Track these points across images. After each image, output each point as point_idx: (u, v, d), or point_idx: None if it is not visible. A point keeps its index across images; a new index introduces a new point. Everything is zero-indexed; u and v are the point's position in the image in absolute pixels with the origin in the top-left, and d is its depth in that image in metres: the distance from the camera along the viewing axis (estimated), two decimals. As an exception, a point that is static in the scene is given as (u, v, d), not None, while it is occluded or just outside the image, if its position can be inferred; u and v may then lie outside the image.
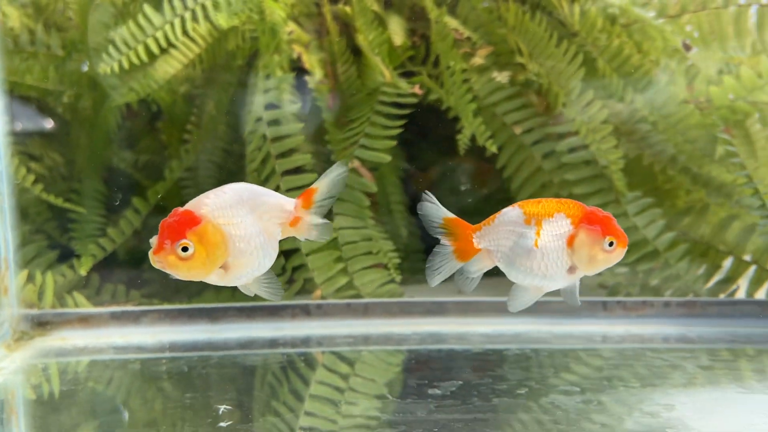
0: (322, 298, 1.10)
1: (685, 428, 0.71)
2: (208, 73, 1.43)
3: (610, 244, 0.68)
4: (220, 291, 1.32)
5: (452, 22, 1.31)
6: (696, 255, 1.20)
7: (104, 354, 1.00)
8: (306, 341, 1.08)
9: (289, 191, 1.11)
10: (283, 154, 1.13)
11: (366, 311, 1.10)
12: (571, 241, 0.69)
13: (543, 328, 1.07)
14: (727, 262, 1.19)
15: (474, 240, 0.72)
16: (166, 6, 1.17)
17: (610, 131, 1.15)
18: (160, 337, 1.04)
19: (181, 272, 0.62)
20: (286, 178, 1.12)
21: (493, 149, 1.17)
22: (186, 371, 0.92)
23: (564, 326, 1.08)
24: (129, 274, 1.37)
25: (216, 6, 1.24)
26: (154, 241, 0.62)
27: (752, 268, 1.17)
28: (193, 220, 0.62)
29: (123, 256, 1.35)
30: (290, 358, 1.01)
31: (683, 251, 1.13)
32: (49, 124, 1.50)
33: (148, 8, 1.15)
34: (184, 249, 0.61)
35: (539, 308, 1.10)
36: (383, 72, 1.23)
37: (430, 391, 0.81)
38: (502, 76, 1.24)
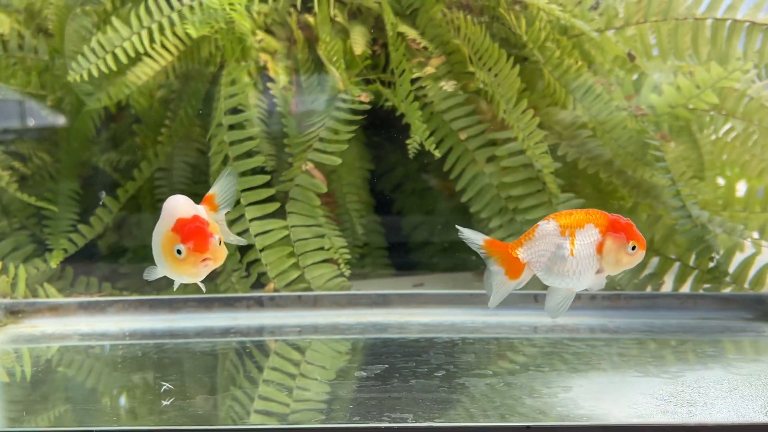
0: (275, 290, 1.19)
1: (575, 407, 0.80)
2: (182, 79, 1.52)
3: (633, 248, 0.80)
4: (186, 285, 1.42)
5: (411, 32, 1.40)
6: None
7: (71, 341, 1.09)
8: (260, 330, 1.17)
9: (244, 192, 1.21)
10: (240, 157, 1.22)
11: (315, 303, 1.19)
12: (600, 248, 0.80)
13: (478, 319, 1.16)
14: (654, 260, 1.28)
15: (519, 255, 0.82)
16: (133, 18, 1.26)
17: (542, 137, 1.23)
18: (122, 326, 1.13)
19: (220, 261, 0.75)
20: (243, 179, 1.21)
21: (437, 153, 1.26)
22: (140, 356, 1.01)
23: (498, 317, 1.17)
24: (104, 268, 1.48)
25: (183, 18, 1.33)
26: (182, 248, 0.73)
27: (676, 265, 1.26)
28: (204, 221, 0.75)
29: (99, 251, 1.44)
30: (245, 345, 1.10)
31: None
32: (33, 125, 1.59)
33: (116, 20, 1.24)
34: (219, 242, 0.74)
35: (475, 300, 1.21)
36: (338, 80, 1.32)
37: (356, 374, 0.90)
38: (448, 85, 1.33)
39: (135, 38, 1.26)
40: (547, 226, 0.82)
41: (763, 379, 0.87)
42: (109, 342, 1.08)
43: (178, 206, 0.77)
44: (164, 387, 0.85)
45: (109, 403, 0.86)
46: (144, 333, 1.11)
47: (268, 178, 1.21)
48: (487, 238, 0.83)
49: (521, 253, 0.82)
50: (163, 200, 1.66)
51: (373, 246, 1.58)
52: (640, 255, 0.82)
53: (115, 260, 1.55)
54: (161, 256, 0.76)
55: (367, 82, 1.40)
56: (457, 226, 0.83)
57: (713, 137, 1.58)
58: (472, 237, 0.82)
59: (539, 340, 1.08)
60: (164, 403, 0.82)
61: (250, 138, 1.24)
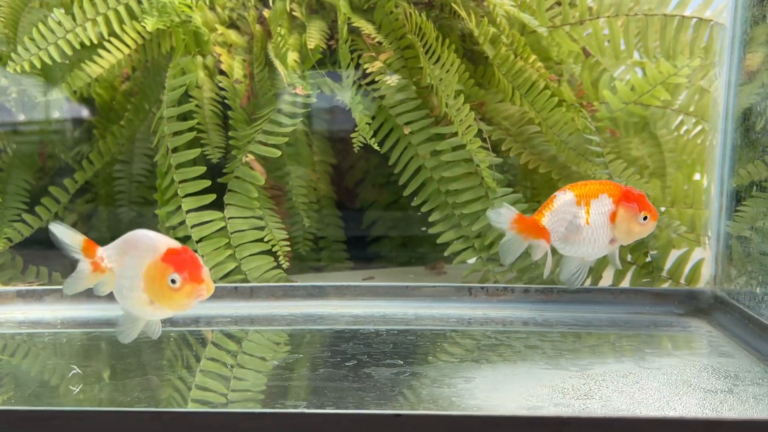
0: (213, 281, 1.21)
1: (470, 397, 0.80)
2: (145, 72, 1.54)
3: (644, 218, 0.83)
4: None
5: (367, 27, 1.41)
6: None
7: (5, 328, 1.10)
8: (196, 321, 1.18)
9: (182, 183, 1.22)
10: (177, 149, 1.23)
11: (252, 294, 1.20)
12: (613, 217, 0.84)
13: (410, 311, 1.17)
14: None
15: (544, 223, 0.90)
16: (76, 9, 1.27)
17: (476, 133, 1.24)
18: (58, 314, 1.14)
19: (210, 293, 0.76)
20: (181, 170, 1.22)
21: (377, 147, 1.27)
22: (63, 343, 1.02)
23: (432, 309, 1.18)
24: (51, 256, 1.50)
25: (130, 11, 1.34)
26: (177, 278, 0.73)
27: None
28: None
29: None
30: (182, 335, 1.12)
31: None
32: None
33: (57, 12, 1.26)
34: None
35: (410, 292, 1.21)
36: (282, 74, 1.33)
37: (268, 363, 0.92)
38: (392, 79, 1.33)
39: (80, 30, 1.28)
40: (565, 196, 0.87)
41: (669, 374, 0.88)
42: (41, 330, 1.09)
43: (158, 238, 0.77)
44: (73, 371, 0.87)
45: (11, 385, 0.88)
46: (78, 322, 1.13)
47: (204, 169, 1.22)
48: (515, 216, 0.90)
49: (545, 222, 0.86)
50: (122, 192, 1.67)
51: (331, 239, 1.59)
52: (651, 225, 0.87)
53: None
54: (144, 289, 0.75)
55: (330, 75, 1.41)
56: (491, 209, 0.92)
57: (675, 134, 1.59)
58: (503, 214, 0.90)
59: (465, 333, 1.09)
60: (71, 388, 0.83)
61: (190, 129, 1.25)
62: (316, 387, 0.83)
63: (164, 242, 0.77)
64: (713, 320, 1.11)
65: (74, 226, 1.59)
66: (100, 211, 1.56)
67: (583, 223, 0.86)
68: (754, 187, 1.10)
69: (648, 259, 1.22)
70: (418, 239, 1.64)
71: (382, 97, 1.34)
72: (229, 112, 1.36)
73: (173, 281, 0.74)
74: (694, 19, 1.38)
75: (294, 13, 1.48)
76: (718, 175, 1.17)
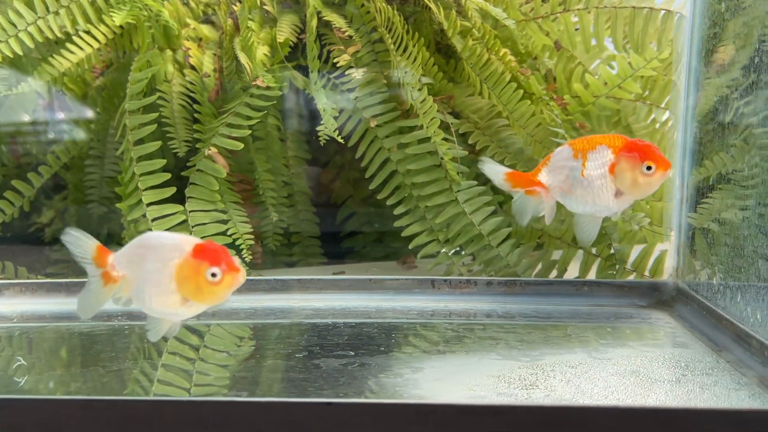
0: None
1: (414, 387, 0.80)
2: (115, 66, 1.53)
3: (648, 168, 0.79)
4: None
5: (339, 21, 1.40)
6: (529, 240, 1.30)
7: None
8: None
9: (142, 176, 1.21)
10: (138, 142, 1.23)
11: (213, 287, 1.19)
12: (612, 168, 0.81)
13: (371, 304, 1.16)
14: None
15: (542, 179, 0.87)
16: (38, 1, 1.27)
17: (438, 125, 1.23)
18: (16, 308, 1.14)
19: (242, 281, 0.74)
20: (141, 162, 1.22)
21: (340, 140, 1.27)
22: (15, 336, 1.02)
23: (393, 302, 1.17)
24: (38, 253, 1.50)
25: (96, 7, 1.34)
26: (218, 271, 0.71)
27: (580, 253, 1.26)
28: None
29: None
30: (142, 330, 1.11)
31: (504, 235, 1.22)
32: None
33: (18, 4, 1.25)
34: None
35: (373, 285, 1.21)
36: (247, 68, 1.32)
37: (218, 356, 0.91)
38: (357, 74, 1.33)
39: (41, 22, 1.27)
40: (562, 150, 0.84)
41: (618, 365, 0.87)
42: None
43: (175, 237, 0.75)
44: (17, 363, 0.86)
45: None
46: (35, 315, 1.12)
47: (164, 162, 1.21)
48: (508, 171, 0.89)
49: (542, 177, 0.84)
50: (95, 188, 1.67)
51: (305, 235, 1.58)
52: (659, 175, 0.81)
53: (51, 247, 1.57)
54: (178, 290, 0.73)
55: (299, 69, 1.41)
56: (482, 158, 0.90)
57: (650, 128, 1.59)
58: (495, 170, 0.88)
59: (424, 325, 1.08)
60: (16, 379, 0.83)
61: (152, 122, 1.24)
62: (261, 378, 0.83)
63: (186, 240, 0.75)
64: (674, 312, 1.10)
65: (51, 222, 1.60)
66: (71, 207, 1.56)
67: (578, 175, 0.83)
68: (720, 180, 1.10)
69: (611, 252, 1.22)
70: (392, 234, 1.63)
71: (351, 91, 1.34)
72: (196, 106, 1.36)
73: (213, 275, 0.72)
74: (662, 11, 1.37)
75: (265, 7, 1.48)
76: (679, 167, 1.16)
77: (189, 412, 0.64)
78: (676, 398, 0.75)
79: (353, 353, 0.91)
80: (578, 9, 1.47)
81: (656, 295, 1.15)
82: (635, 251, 1.23)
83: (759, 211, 0.90)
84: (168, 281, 0.73)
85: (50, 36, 1.29)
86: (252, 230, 1.28)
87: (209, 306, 0.76)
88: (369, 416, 0.63)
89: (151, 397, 0.74)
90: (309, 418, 0.64)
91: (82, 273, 1.42)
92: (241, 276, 0.73)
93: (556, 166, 0.86)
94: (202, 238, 1.23)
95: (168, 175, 1.20)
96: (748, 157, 0.95)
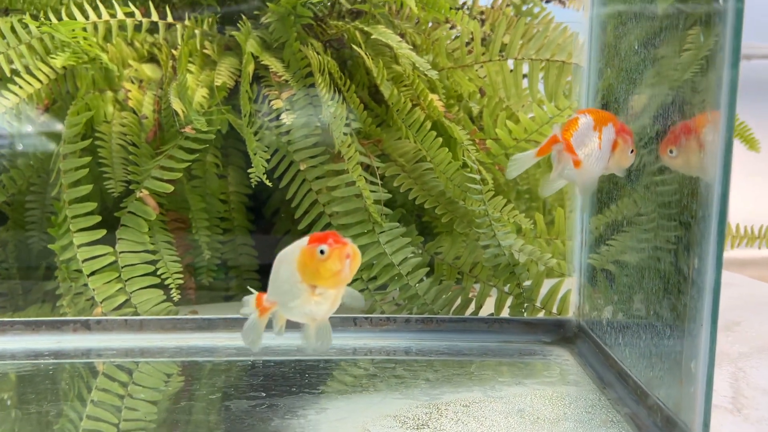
0: (103, 314, 1.24)
1: (314, 429, 0.86)
2: (59, 104, 1.57)
3: (632, 151, 0.91)
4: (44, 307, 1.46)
5: (276, 65, 1.47)
6: (449, 278, 1.37)
7: None
8: (87, 353, 1.21)
9: (74, 218, 1.26)
10: (73, 184, 1.27)
11: (141, 326, 1.24)
12: (615, 146, 0.90)
13: (294, 342, 1.22)
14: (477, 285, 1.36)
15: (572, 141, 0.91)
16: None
17: (360, 172, 1.31)
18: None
19: (358, 263, 0.77)
20: (73, 205, 1.26)
21: (269, 183, 1.33)
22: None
23: (315, 341, 1.23)
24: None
25: (31, 49, 1.38)
26: (325, 247, 0.74)
27: (494, 290, 1.34)
28: None
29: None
30: (74, 367, 1.15)
31: (423, 274, 1.29)
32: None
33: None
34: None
35: (298, 324, 1.26)
36: (181, 114, 1.38)
37: (132, 398, 0.96)
38: (288, 118, 1.40)
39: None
40: (585, 119, 0.90)
41: (508, 403, 0.94)
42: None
43: (294, 244, 0.79)
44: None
45: None
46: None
47: (95, 205, 1.26)
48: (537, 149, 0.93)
49: (573, 141, 0.91)
50: (35, 222, 1.69)
51: (243, 269, 1.63)
52: (633, 158, 0.92)
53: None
54: (300, 276, 0.77)
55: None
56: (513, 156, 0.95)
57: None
58: (525, 154, 0.94)
59: (340, 364, 1.14)
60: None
61: (83, 167, 1.29)
62: (167, 420, 0.88)
63: (302, 240, 0.79)
64: (575, 349, 1.18)
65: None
66: (10, 240, 1.58)
67: (596, 146, 0.89)
68: (619, 224, 1.18)
69: (521, 291, 1.30)
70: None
71: (287, 133, 1.41)
72: (131, 148, 1.40)
73: (322, 252, 0.75)
74: (574, 64, 1.47)
75: (206, 51, 1.54)
76: (579, 211, 1.25)
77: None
78: (548, 437, 0.83)
79: (264, 394, 0.97)
80: (498, 59, 1.57)
81: (561, 332, 1.23)
82: (545, 288, 1.31)
83: (648, 253, 0.99)
84: (294, 280, 0.78)
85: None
86: (181, 270, 1.33)
87: (335, 288, 0.78)
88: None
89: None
90: (203, 462, 0.69)
91: (18, 308, 1.46)
92: (351, 250, 0.76)
93: (582, 132, 0.90)
94: (127, 280, 1.29)
95: (98, 218, 1.25)
96: (647, 203, 1.03)
